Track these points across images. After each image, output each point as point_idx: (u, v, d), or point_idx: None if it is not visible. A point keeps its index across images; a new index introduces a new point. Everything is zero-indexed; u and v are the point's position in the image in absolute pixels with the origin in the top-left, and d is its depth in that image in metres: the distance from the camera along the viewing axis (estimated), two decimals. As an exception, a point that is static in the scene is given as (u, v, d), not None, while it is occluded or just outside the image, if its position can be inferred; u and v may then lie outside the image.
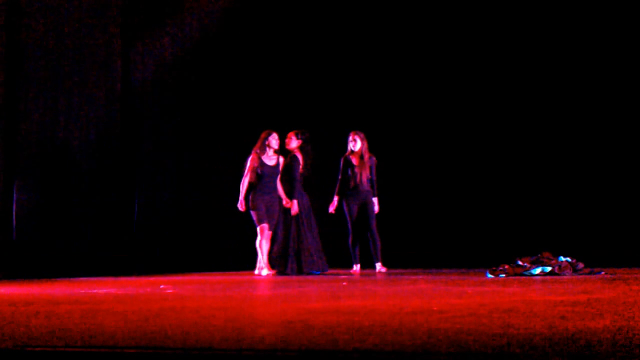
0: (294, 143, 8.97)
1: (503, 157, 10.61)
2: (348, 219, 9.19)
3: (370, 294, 5.32)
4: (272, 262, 8.82)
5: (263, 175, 8.67)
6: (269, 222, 8.65)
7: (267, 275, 8.48)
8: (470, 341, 2.46)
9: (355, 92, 11.31)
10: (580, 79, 10.35)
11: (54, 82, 9.32)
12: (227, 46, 11.49)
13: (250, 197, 8.69)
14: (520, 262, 7.28)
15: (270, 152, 8.74)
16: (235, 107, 11.44)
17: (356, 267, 9.20)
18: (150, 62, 10.64)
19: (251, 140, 8.92)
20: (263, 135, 8.74)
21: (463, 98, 10.90)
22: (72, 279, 8.47)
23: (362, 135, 9.20)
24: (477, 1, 10.89)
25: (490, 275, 7.17)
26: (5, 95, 8.84)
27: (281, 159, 8.83)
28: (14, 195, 8.86)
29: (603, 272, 7.28)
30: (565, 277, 6.91)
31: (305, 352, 2.34)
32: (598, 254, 8.69)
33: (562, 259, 7.27)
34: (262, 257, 8.64)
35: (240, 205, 8.73)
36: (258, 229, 8.65)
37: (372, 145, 9.34)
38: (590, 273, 7.21)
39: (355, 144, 9.16)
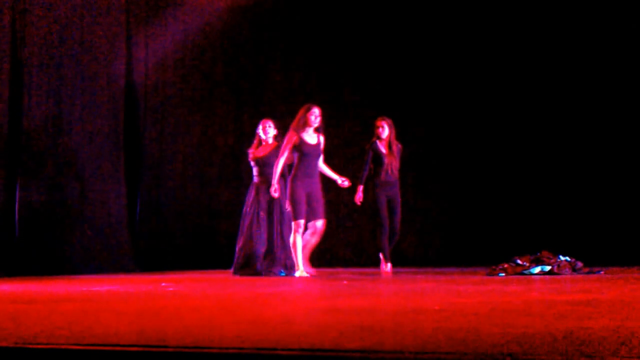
0: (274, 131, 8.42)
1: (503, 156, 10.61)
2: (382, 213, 8.47)
3: (371, 293, 5.32)
4: (250, 260, 8.15)
5: (305, 155, 7.74)
6: (307, 216, 7.71)
7: (303, 277, 7.65)
8: (470, 341, 2.47)
9: (354, 89, 11.31)
10: (579, 80, 10.35)
11: (57, 79, 9.32)
12: (232, 37, 11.42)
13: (289, 181, 7.79)
14: (519, 261, 7.29)
15: (310, 129, 7.80)
16: (239, 101, 11.42)
17: (388, 266, 8.49)
18: (154, 57, 10.63)
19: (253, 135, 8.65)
20: (301, 111, 7.83)
21: (462, 98, 10.89)
22: (73, 276, 8.48)
23: (389, 121, 8.58)
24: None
25: (490, 275, 7.17)
26: (10, 93, 8.84)
27: (322, 138, 7.88)
28: (17, 192, 8.86)
29: (603, 272, 7.28)
30: (564, 276, 6.91)
31: (306, 352, 2.35)
32: (598, 253, 8.70)
33: (562, 258, 7.28)
34: (296, 257, 7.80)
35: (274, 190, 7.89)
36: (293, 224, 7.71)
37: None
38: (589, 272, 7.21)
39: (383, 130, 8.51)
